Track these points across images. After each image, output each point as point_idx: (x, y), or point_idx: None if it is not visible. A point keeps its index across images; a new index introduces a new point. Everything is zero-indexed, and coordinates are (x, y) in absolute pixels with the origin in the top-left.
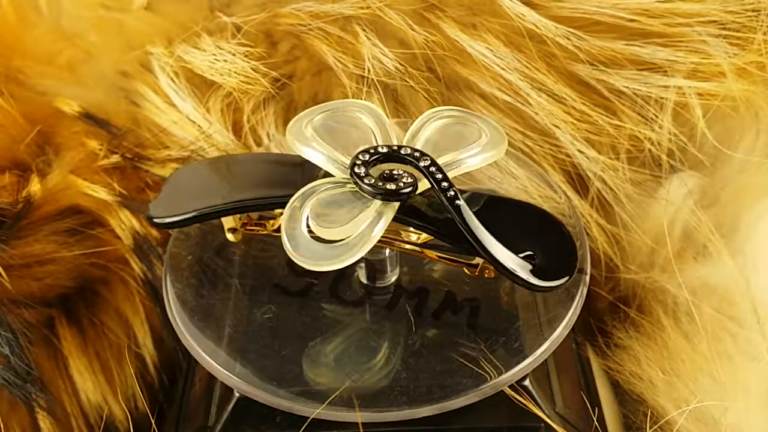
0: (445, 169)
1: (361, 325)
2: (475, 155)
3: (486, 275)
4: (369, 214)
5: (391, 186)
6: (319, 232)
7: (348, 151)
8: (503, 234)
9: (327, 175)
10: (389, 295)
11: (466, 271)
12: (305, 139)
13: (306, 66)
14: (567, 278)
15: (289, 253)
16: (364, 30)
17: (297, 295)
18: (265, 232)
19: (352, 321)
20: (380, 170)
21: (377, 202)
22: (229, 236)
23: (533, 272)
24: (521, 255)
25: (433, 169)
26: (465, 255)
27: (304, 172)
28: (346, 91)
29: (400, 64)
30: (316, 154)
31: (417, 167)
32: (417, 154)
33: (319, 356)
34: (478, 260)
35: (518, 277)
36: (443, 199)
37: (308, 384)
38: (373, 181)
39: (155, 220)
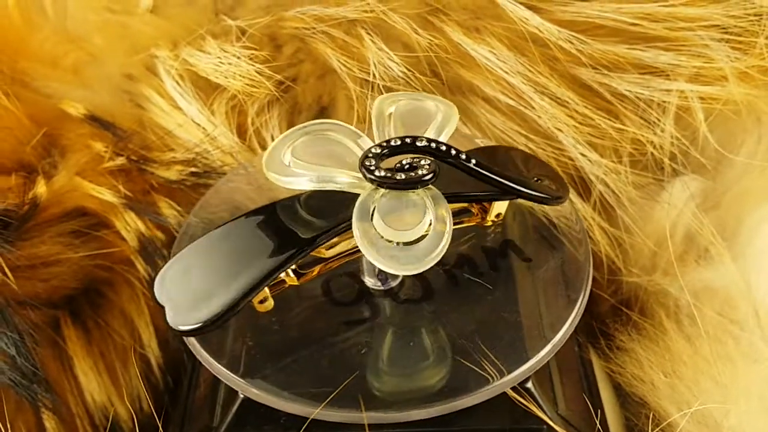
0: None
1: (364, 327)
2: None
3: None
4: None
5: (417, 173)
6: (394, 237)
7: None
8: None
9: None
10: (392, 297)
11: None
12: (292, 170)
13: (310, 69)
14: (567, 193)
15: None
16: (369, 34)
17: (301, 297)
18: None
19: (355, 323)
20: (390, 165)
21: (420, 198)
22: (260, 308)
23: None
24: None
25: (434, 145)
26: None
27: (293, 217)
28: (350, 94)
29: (404, 68)
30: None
31: (418, 149)
32: (409, 140)
33: (322, 358)
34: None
35: (545, 196)
36: (463, 164)
37: (312, 385)
38: (402, 176)
39: (181, 329)
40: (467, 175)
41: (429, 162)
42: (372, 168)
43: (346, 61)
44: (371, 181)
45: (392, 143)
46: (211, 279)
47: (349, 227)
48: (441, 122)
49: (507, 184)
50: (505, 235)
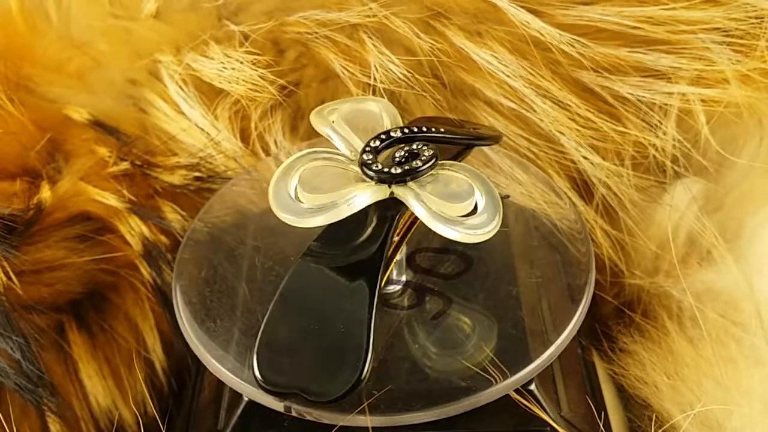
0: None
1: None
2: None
3: None
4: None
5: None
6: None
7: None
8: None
9: None
10: (396, 300)
11: None
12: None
13: (313, 74)
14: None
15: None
16: (371, 38)
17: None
18: None
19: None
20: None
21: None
22: None
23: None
24: None
25: (415, 129)
26: None
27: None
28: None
29: (407, 72)
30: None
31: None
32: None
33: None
34: None
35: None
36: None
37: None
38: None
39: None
40: None
41: (423, 146)
42: (383, 168)
43: (349, 66)
44: (396, 180)
45: (378, 144)
46: (318, 339)
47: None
48: (391, 117)
49: (461, 139)
50: (507, 237)
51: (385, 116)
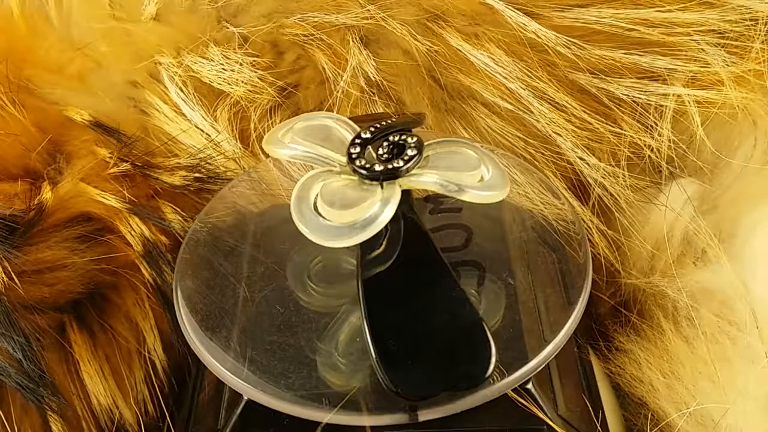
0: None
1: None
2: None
3: None
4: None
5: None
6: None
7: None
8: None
9: None
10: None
11: None
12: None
13: (312, 75)
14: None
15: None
16: (368, 40)
17: (306, 301)
18: None
19: (359, 326)
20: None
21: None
22: None
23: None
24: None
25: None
26: None
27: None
28: (351, 100)
29: (404, 74)
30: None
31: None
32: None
33: (325, 361)
34: None
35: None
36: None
37: (315, 388)
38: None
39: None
40: None
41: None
42: (387, 166)
43: (346, 68)
44: (404, 173)
45: (358, 149)
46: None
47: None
48: (343, 123)
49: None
50: (504, 237)
51: (336, 123)
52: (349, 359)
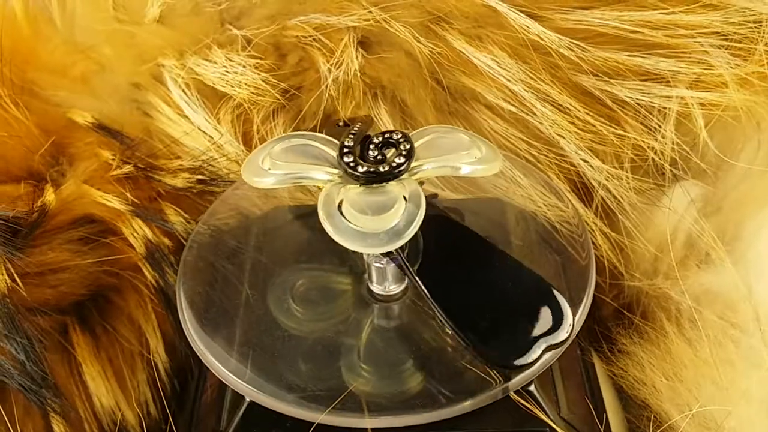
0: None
1: (369, 332)
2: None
3: None
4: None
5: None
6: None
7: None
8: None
9: None
10: (397, 302)
11: None
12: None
13: (314, 77)
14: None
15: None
16: (371, 42)
17: (308, 302)
18: None
19: (361, 328)
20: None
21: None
22: None
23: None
24: None
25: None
26: None
27: None
28: (354, 102)
29: (407, 76)
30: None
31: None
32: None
33: (328, 363)
34: None
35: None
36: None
37: (317, 390)
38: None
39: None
40: None
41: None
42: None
43: (347, 69)
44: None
45: (351, 159)
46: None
47: None
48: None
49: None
50: (508, 239)
51: (310, 140)
52: (352, 361)
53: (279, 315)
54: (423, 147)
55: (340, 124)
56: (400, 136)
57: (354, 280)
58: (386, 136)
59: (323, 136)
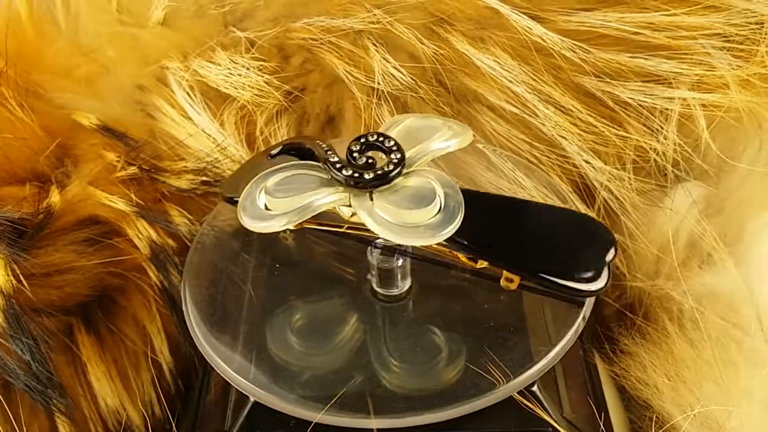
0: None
1: (373, 332)
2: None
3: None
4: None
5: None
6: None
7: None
8: None
9: None
10: (400, 303)
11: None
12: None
13: (318, 79)
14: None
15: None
16: (374, 44)
17: (311, 303)
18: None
19: (364, 329)
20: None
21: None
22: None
23: None
24: None
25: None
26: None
27: None
28: (357, 104)
29: (410, 77)
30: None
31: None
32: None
33: (331, 363)
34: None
35: None
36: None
37: (321, 390)
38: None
39: None
40: None
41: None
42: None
43: (353, 71)
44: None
45: (350, 172)
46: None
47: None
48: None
49: None
50: None
51: (298, 169)
52: (357, 361)
53: (283, 315)
54: (401, 139)
55: (273, 153)
56: (376, 137)
57: (359, 280)
58: (362, 141)
59: (297, 162)
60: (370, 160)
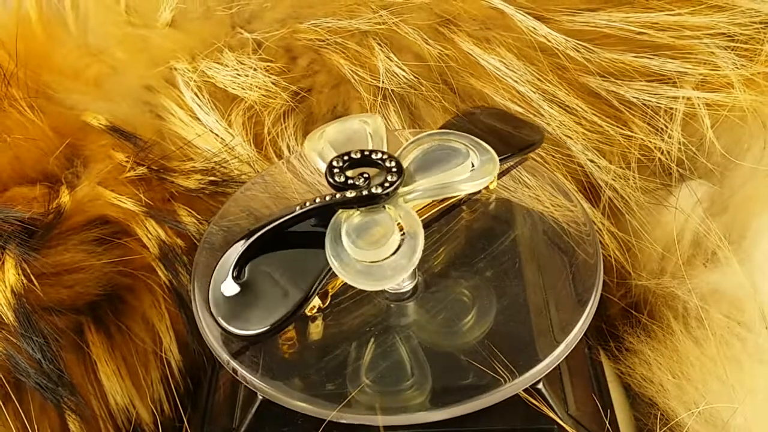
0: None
1: (380, 330)
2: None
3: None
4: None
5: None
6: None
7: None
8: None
9: None
10: (407, 301)
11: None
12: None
13: (325, 79)
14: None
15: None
16: (381, 45)
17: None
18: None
19: (371, 326)
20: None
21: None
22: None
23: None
24: None
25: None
26: None
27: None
28: (364, 104)
29: (416, 78)
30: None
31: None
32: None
33: (339, 361)
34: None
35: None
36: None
37: (329, 388)
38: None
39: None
40: None
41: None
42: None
43: (359, 71)
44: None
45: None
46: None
47: None
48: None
49: None
50: (515, 239)
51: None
52: (364, 359)
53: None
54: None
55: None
56: (380, 155)
57: None
58: (359, 156)
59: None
60: (365, 175)
